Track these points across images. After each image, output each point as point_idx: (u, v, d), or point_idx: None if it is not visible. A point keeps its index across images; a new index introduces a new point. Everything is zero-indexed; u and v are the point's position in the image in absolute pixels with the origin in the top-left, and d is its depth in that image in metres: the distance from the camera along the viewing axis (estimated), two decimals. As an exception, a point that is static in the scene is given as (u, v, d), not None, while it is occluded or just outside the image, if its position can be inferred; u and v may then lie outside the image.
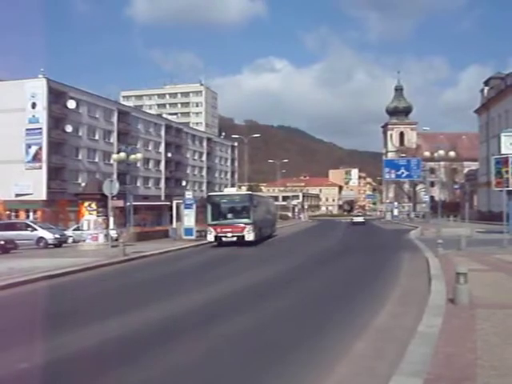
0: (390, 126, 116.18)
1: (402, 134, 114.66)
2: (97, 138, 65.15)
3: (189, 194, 34.86)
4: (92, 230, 26.83)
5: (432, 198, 64.42)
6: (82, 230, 27.92)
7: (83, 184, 43.55)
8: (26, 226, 31.91)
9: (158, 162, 79.52)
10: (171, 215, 40.66)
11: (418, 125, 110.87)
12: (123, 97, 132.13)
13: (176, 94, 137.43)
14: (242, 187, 64.67)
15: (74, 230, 34.84)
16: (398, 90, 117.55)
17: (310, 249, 26.70)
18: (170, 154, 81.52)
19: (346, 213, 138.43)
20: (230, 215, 28.75)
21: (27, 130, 55.92)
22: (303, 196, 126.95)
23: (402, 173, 50.55)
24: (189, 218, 32.49)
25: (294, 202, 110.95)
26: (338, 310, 9.96)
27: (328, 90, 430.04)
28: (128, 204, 36.09)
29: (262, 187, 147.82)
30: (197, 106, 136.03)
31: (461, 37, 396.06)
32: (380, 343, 7.43)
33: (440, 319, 8.01)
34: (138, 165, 65.64)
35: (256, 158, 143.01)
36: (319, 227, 61.70)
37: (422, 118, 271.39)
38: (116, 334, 8.21)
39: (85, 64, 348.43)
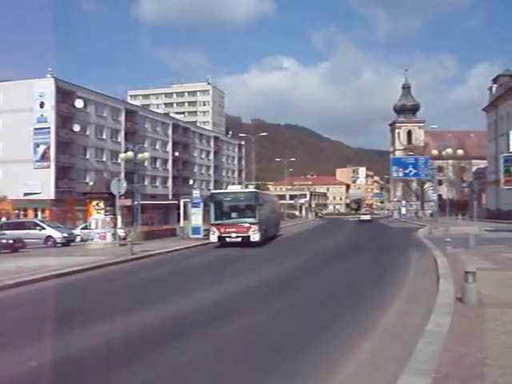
0: (397, 125, 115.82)
1: (409, 133, 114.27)
2: (104, 137, 65.40)
3: (196, 193, 34.89)
4: (100, 229, 26.91)
5: (440, 196, 64.22)
6: (90, 229, 28.01)
7: (91, 183, 43.65)
8: (35, 225, 32.09)
9: (165, 161, 79.69)
10: (178, 214, 40.78)
11: (425, 123, 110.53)
12: (130, 96, 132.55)
13: (183, 93, 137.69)
14: (250, 186, 64.46)
15: (81, 228, 34.96)
16: (406, 88, 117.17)
17: (317, 248, 26.58)
18: (177, 153, 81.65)
19: (353, 211, 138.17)
20: (234, 214, 27.42)
21: (35, 129, 56.26)
22: (310, 195, 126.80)
23: (410, 171, 50.31)
24: (196, 217, 32.52)
25: (302, 200, 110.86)
26: (345, 309, 9.94)
27: (335, 89, 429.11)
28: (135, 203, 36.16)
29: (270, 186, 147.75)
30: (204, 104, 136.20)
31: (469, 34, 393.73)
32: (388, 342, 7.40)
33: (448, 318, 7.98)
34: (146, 164, 65.71)
35: (263, 156, 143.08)
36: (326, 226, 61.59)
37: (429, 116, 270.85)
38: (122, 333, 8.24)
39: (92, 63, 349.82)
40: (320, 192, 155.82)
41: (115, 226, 27.51)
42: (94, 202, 27.08)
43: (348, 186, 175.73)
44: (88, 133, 62.28)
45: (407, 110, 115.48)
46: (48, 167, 56.27)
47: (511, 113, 55.81)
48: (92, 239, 27.43)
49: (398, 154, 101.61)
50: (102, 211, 26.91)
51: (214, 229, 26.87)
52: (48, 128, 56.36)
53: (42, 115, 56.46)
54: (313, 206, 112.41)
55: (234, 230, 26.49)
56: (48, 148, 56.41)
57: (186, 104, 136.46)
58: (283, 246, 29.87)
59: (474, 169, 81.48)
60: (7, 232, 29.38)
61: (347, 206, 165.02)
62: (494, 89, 64.85)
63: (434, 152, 43.43)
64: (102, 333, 8.28)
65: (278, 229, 37.69)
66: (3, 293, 12.84)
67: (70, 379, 6.15)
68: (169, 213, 67.95)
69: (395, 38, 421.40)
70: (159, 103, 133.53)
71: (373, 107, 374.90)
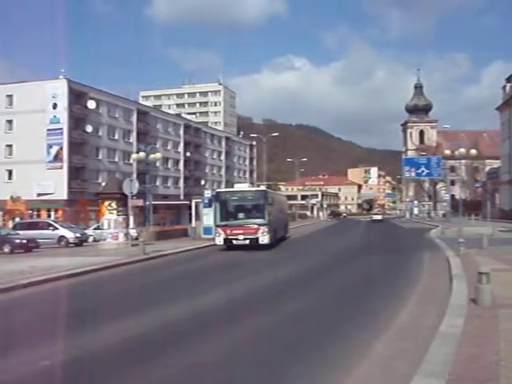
0: (409, 124, 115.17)
1: (421, 132, 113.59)
2: (116, 137, 65.73)
3: (208, 193, 34.91)
4: (112, 229, 27.04)
5: (453, 196, 63.71)
6: (103, 229, 28.17)
7: (103, 183, 44.00)
8: (48, 225, 32.36)
9: (176, 162, 79.91)
10: (190, 214, 40.84)
11: (438, 123, 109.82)
12: (142, 97, 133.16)
13: (195, 93, 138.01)
14: (261, 186, 64.29)
15: (94, 229, 35.18)
16: (418, 87, 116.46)
17: (328, 249, 26.35)
18: (188, 154, 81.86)
19: (365, 212, 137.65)
20: (241, 215, 25.57)
21: (48, 130, 56.69)
22: (322, 195, 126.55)
23: (422, 171, 50.00)
24: (208, 217, 32.53)
25: (313, 201, 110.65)
26: (358, 310, 9.89)
27: (347, 89, 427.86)
28: (147, 203, 36.33)
29: (281, 186, 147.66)
30: (215, 105, 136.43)
31: (483, 33, 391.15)
32: (401, 343, 7.36)
33: (462, 319, 7.92)
34: (158, 164, 66.04)
35: (275, 156, 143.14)
36: (338, 226, 61.40)
37: (442, 116, 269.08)
38: (136, 333, 8.27)
39: (105, 63, 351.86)
40: (332, 192, 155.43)
41: (127, 226, 27.66)
42: (107, 203, 27.23)
43: (360, 187, 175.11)
44: (100, 133, 62.64)
45: (419, 110, 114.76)
46: (61, 168, 56.67)
47: (525, 112, 55.25)
48: (104, 239, 27.58)
49: (410, 153, 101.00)
50: (115, 211, 27.04)
51: (220, 230, 25.12)
52: (61, 129, 56.77)
53: (54, 116, 56.88)
54: (324, 205, 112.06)
55: (241, 231, 24.70)
56: (61, 149, 56.81)
57: (198, 104, 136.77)
58: (293, 247, 28.63)
59: (488, 169, 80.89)
60: (21, 232, 29.69)
61: (359, 206, 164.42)
62: (507, 88, 64.25)
63: (447, 152, 43.06)
64: (115, 332, 8.32)
65: (287, 230, 35.97)
66: (17, 292, 12.96)
67: (83, 378, 6.19)
68: (180, 213, 68.23)
69: (408, 37, 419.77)
70: (171, 104, 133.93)
71: (385, 107, 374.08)
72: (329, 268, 17.69)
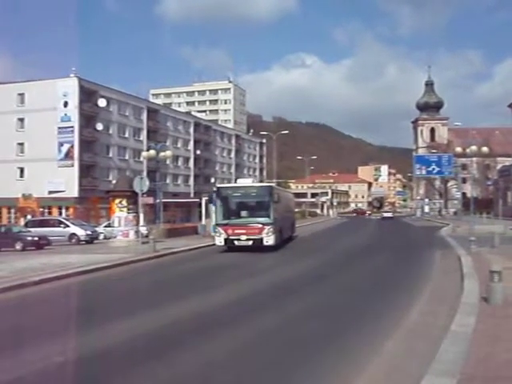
0: (420, 122, 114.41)
1: (432, 130, 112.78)
2: (127, 135, 65.98)
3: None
4: (123, 227, 27.14)
5: (464, 194, 63.35)
6: (113, 227, 28.29)
7: (114, 181, 44.12)
8: (59, 223, 32.62)
9: (187, 160, 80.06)
10: (200, 212, 40.89)
11: (449, 120, 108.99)
12: (152, 95, 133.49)
13: (204, 91, 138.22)
14: (271, 183, 64.08)
15: (105, 226, 35.36)
16: (429, 84, 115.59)
17: (338, 248, 26.33)
18: (198, 152, 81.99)
19: (375, 210, 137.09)
20: (244, 213, 23.63)
21: (59, 128, 57.01)
22: (332, 193, 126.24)
23: (433, 169, 49.66)
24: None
25: (323, 198, 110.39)
26: (368, 309, 9.86)
27: (358, 86, 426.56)
28: (158, 201, 36.43)
29: (291, 184, 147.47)
30: (225, 103, 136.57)
31: (495, 29, 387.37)
32: (412, 342, 7.33)
33: (473, 318, 7.86)
34: (168, 162, 66.25)
35: (285, 154, 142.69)
36: (348, 224, 61.23)
37: (454, 113, 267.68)
38: (145, 330, 8.30)
39: (115, 61, 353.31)
40: (342, 190, 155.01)
41: (138, 223, 27.75)
42: (117, 200, 27.33)
43: (370, 184, 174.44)
44: (111, 131, 62.90)
45: (430, 107, 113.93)
46: (72, 166, 56.99)
47: (538, 109, 54.73)
48: (115, 237, 27.68)
49: (421, 151, 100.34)
50: (125, 209, 27.13)
51: (221, 230, 23.13)
52: (72, 127, 57.08)
53: (65, 114, 57.19)
54: (334, 203, 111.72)
55: (243, 231, 22.69)
56: (72, 147, 57.12)
57: (208, 102, 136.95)
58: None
59: (499, 166, 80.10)
60: (32, 229, 29.93)
61: (369, 204, 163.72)
62: (519, 85, 63.60)
63: (458, 149, 42.72)
64: (125, 329, 8.36)
65: (294, 229, 33.90)
66: (29, 289, 13.06)
67: (94, 374, 6.22)
68: (190, 211, 68.40)
69: (419, 34, 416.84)
70: (181, 102, 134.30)
71: (395, 104, 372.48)
72: (337, 267, 17.65)
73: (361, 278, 14.70)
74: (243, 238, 22.64)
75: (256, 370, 6.26)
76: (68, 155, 57.09)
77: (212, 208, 30.73)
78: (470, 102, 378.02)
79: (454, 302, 9.52)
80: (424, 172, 52.05)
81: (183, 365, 6.49)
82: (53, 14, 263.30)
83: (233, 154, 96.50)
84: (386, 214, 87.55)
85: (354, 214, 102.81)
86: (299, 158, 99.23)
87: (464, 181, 77.11)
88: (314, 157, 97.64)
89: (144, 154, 43.40)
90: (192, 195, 75.80)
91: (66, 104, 57.03)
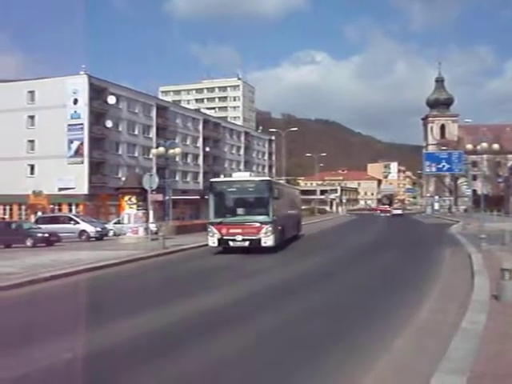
0: (430, 119, 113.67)
1: (442, 127, 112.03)
2: (136, 132, 66.17)
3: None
4: (132, 224, 27.26)
5: (474, 191, 62.90)
6: (123, 224, 28.41)
7: (123, 178, 44.28)
8: (69, 220, 32.80)
9: (196, 157, 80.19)
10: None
11: (459, 117, 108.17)
12: (162, 92, 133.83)
13: (213, 88, 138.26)
14: (280, 180, 63.93)
15: (114, 223, 35.51)
16: (439, 81, 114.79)
17: (346, 245, 26.25)
18: (207, 149, 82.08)
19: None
20: (240, 210, 21.45)
21: (69, 125, 57.27)
22: (341, 190, 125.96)
23: (443, 166, 49.59)
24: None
25: (332, 195, 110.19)
26: (378, 306, 9.83)
27: (367, 83, 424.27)
28: (167, 198, 36.52)
29: (300, 181, 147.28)
30: (234, 100, 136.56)
31: (506, 25, 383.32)
32: (422, 340, 7.29)
33: (484, 316, 7.81)
34: (177, 159, 66.32)
35: (294, 151, 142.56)
36: (357, 221, 61.05)
37: (464, 110, 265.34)
38: (153, 328, 8.31)
39: (125, 59, 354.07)
40: (351, 187, 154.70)
41: (147, 220, 27.83)
42: (127, 197, 27.44)
43: (379, 182, 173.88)
44: (120, 129, 63.11)
45: (440, 104, 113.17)
46: (81, 163, 57.25)
47: (549, 106, 54.12)
48: (124, 233, 27.81)
49: (431, 148, 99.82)
50: (135, 206, 27.25)
51: (214, 229, 20.96)
52: (81, 124, 57.31)
53: (75, 112, 57.42)
54: (344, 200, 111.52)
55: (239, 230, 20.53)
56: (81, 144, 57.38)
57: (217, 99, 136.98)
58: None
59: (510, 163, 79.53)
60: (43, 226, 30.11)
61: (379, 201, 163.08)
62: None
63: (469, 146, 42.46)
64: (133, 327, 8.38)
65: (300, 228, 31.61)
66: (39, 286, 13.15)
67: (102, 371, 6.23)
68: (200, 208, 68.42)
69: (430, 30, 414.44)
70: (190, 99, 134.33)
71: (405, 101, 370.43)
72: (346, 265, 17.60)
73: (370, 275, 14.65)
74: (239, 238, 20.52)
75: (262, 368, 6.24)
76: (78, 152, 57.35)
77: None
78: (481, 98, 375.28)
79: (464, 299, 9.47)
80: (434, 169, 51.90)
81: (190, 363, 6.47)
82: (62, 12, 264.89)
83: (242, 151, 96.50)
84: (395, 211, 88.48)
85: (378, 212, 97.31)
86: (308, 155, 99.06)
87: (474, 178, 76.54)
88: (323, 154, 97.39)
89: (153, 151, 43.54)
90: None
91: (75, 101, 57.26)
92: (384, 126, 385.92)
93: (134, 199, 27.21)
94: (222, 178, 30.17)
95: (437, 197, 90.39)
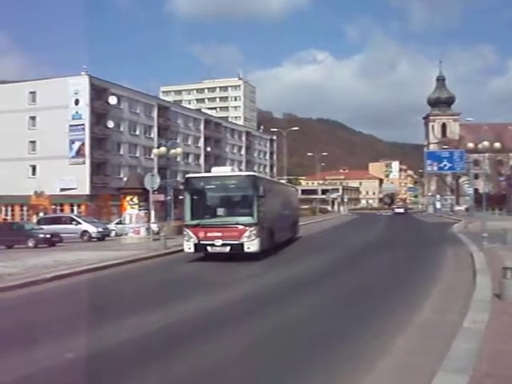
0: (431, 118, 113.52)
1: (444, 126, 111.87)
2: (138, 133, 66.23)
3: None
4: (134, 224, 27.26)
5: (476, 190, 62.79)
6: (124, 224, 28.41)
7: (125, 178, 44.30)
8: (71, 220, 32.84)
9: (197, 157, 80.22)
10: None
11: (461, 115, 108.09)
12: (163, 92, 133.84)
13: (215, 88, 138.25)
14: (282, 180, 63.83)
15: (116, 223, 35.55)
16: (440, 80, 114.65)
17: (347, 245, 26.16)
18: (209, 149, 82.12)
19: (386, 206, 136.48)
20: (220, 211, 18.71)
21: (70, 126, 57.37)
22: (343, 189, 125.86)
23: (445, 165, 49.26)
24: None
25: (334, 195, 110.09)
26: (380, 305, 9.81)
27: (369, 82, 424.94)
28: (169, 198, 36.53)
29: (302, 180, 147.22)
30: (235, 100, 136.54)
31: (508, 23, 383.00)
32: (424, 339, 7.28)
33: (486, 315, 7.80)
34: (178, 159, 66.29)
35: (295, 151, 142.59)
36: (359, 221, 60.93)
37: (466, 109, 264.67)
38: (156, 327, 8.31)
39: (126, 59, 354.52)
40: (353, 186, 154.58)
41: (149, 220, 27.83)
42: (128, 197, 27.45)
43: (381, 181, 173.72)
44: (122, 129, 63.18)
45: (442, 103, 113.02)
46: (83, 163, 57.33)
47: (551, 104, 54.02)
48: (126, 234, 27.81)
49: (433, 147, 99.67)
50: (136, 206, 27.25)
51: (190, 232, 18.21)
52: (83, 125, 57.40)
53: (76, 112, 57.51)
54: (345, 200, 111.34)
55: (219, 234, 17.73)
56: (83, 144, 57.46)
57: (218, 99, 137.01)
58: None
59: (512, 162, 79.44)
60: (45, 227, 30.13)
61: (380, 200, 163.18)
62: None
63: (470, 145, 42.34)
64: (137, 326, 8.38)
65: (296, 230, 28.82)
66: (41, 286, 13.14)
67: (105, 371, 6.25)
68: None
69: (431, 29, 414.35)
70: (191, 99, 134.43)
71: (406, 100, 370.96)
72: (344, 265, 17.57)
73: (372, 274, 14.59)
74: (218, 242, 17.72)
75: (266, 368, 6.25)
76: (79, 153, 57.43)
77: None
78: (482, 97, 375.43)
79: (466, 298, 9.45)
80: (435, 168, 51.62)
81: (191, 363, 6.47)
82: (63, 13, 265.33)
83: (243, 151, 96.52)
84: (397, 210, 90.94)
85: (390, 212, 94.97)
86: (310, 154, 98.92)
87: (476, 177, 76.39)
88: (325, 153, 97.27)
89: (155, 151, 43.52)
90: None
91: (77, 102, 57.34)
92: (385, 125, 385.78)
93: (135, 199, 27.22)
94: (199, 174, 27.53)
95: (438, 196, 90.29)
